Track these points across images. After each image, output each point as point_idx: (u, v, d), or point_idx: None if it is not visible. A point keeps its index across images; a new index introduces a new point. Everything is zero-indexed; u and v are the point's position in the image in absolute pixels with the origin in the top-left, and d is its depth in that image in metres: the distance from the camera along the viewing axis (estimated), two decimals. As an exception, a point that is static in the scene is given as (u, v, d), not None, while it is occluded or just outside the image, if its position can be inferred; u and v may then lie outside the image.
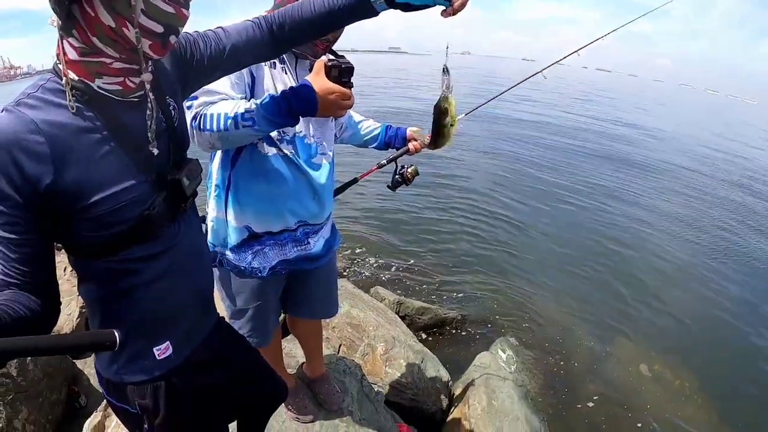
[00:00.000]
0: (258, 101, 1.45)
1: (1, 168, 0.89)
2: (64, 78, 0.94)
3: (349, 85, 1.47)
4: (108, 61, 0.96)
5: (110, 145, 0.99)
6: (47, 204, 0.94)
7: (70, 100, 0.93)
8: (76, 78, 0.96)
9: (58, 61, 0.96)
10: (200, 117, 1.48)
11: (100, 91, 0.98)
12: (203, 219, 1.92)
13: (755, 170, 14.63)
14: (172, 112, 1.16)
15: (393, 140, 2.31)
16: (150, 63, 1.03)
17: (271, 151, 1.70)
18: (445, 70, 1.51)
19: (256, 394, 1.66)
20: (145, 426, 1.25)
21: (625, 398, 4.12)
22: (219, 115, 1.46)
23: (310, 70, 1.54)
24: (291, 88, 1.44)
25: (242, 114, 1.43)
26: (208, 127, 1.46)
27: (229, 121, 1.44)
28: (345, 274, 5.51)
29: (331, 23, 1.32)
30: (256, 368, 1.67)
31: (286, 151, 1.71)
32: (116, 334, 0.86)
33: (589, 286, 5.91)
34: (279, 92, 1.47)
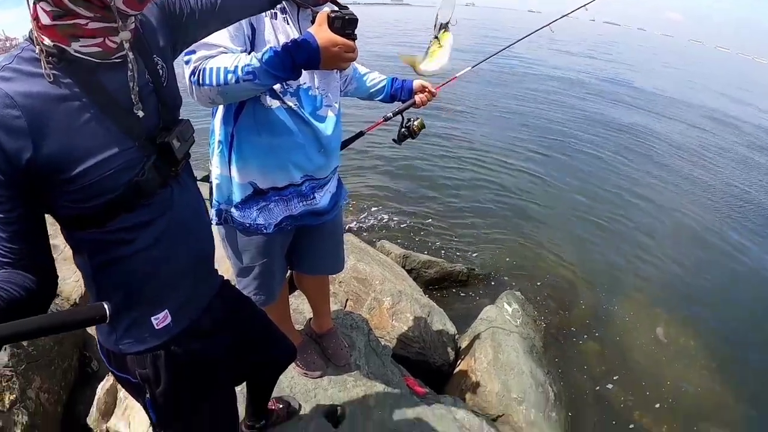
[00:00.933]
0: (259, 55, 1.39)
1: None
2: (37, 45, 0.89)
3: (353, 37, 1.42)
4: (82, 22, 0.90)
5: (92, 112, 0.95)
6: (30, 179, 0.91)
7: (45, 69, 0.88)
8: (51, 44, 0.90)
9: (33, 27, 0.91)
10: (199, 72, 1.43)
11: (78, 54, 0.92)
12: (207, 178, 1.88)
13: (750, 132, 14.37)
14: (160, 71, 1.10)
15: (399, 93, 2.24)
16: (132, 20, 0.97)
17: (275, 103, 1.64)
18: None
19: (263, 357, 1.65)
20: (147, 395, 1.24)
21: (629, 356, 4.15)
22: (219, 69, 1.40)
23: (313, 21, 1.48)
24: (293, 40, 1.38)
25: (243, 68, 1.38)
26: (207, 81, 1.41)
27: (229, 75, 1.39)
28: (350, 228, 5.49)
29: None
30: (264, 330, 1.66)
31: (290, 104, 1.65)
32: (106, 307, 0.83)
33: (598, 241, 5.89)
34: (281, 44, 1.41)
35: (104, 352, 1.23)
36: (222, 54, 1.46)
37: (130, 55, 0.98)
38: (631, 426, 3.54)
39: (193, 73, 1.43)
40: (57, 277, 1.05)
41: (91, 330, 2.91)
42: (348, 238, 4.20)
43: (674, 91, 20.12)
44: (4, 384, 2.18)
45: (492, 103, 12.28)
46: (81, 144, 0.93)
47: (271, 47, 1.39)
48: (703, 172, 8.92)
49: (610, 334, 4.36)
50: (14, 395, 2.18)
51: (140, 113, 1.01)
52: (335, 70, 1.77)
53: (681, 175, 8.49)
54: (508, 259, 5.27)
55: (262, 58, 1.37)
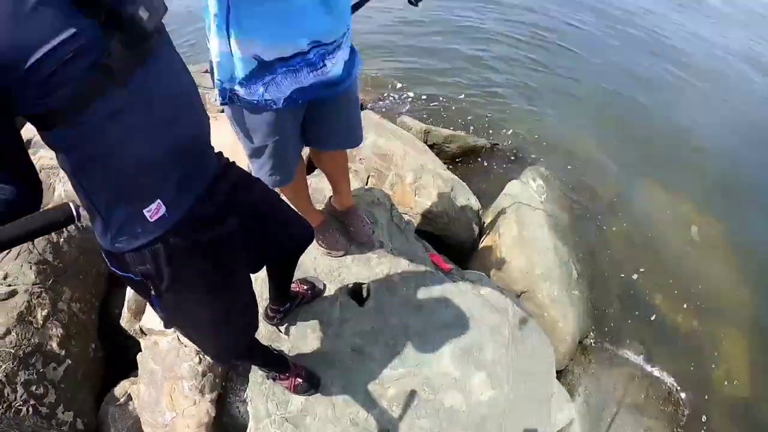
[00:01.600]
0: None
1: None
2: None
3: None
4: None
5: None
6: None
7: None
8: None
9: None
10: None
11: None
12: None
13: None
14: None
15: None
16: None
17: None
18: None
19: (277, 239, 1.60)
20: (152, 293, 1.21)
21: (657, 246, 4.07)
22: None
23: None
24: None
25: None
26: None
27: None
28: (369, 104, 5.28)
29: None
30: (275, 212, 1.60)
31: None
32: (72, 207, 0.80)
33: (632, 123, 5.56)
34: None
35: (105, 254, 1.19)
36: None
37: None
38: (653, 317, 3.57)
39: None
40: (41, 185, 1.01)
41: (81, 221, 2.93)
42: (367, 114, 4.03)
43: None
44: (34, 301, 2.21)
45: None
46: (30, 32, 0.83)
47: None
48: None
49: (638, 220, 4.26)
50: (46, 310, 2.22)
51: None
52: None
53: (736, 67, 7.80)
54: (534, 135, 5.07)
55: None
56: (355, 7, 1.97)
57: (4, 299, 2.20)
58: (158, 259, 1.15)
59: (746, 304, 3.78)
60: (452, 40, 6.93)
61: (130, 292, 2.47)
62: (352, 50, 1.90)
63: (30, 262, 2.33)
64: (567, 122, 5.40)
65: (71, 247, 2.54)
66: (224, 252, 1.31)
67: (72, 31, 0.86)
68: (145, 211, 1.10)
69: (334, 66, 1.76)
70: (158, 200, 1.11)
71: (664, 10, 8.94)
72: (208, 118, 1.26)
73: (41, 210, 0.93)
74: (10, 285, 2.23)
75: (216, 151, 1.36)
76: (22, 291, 2.23)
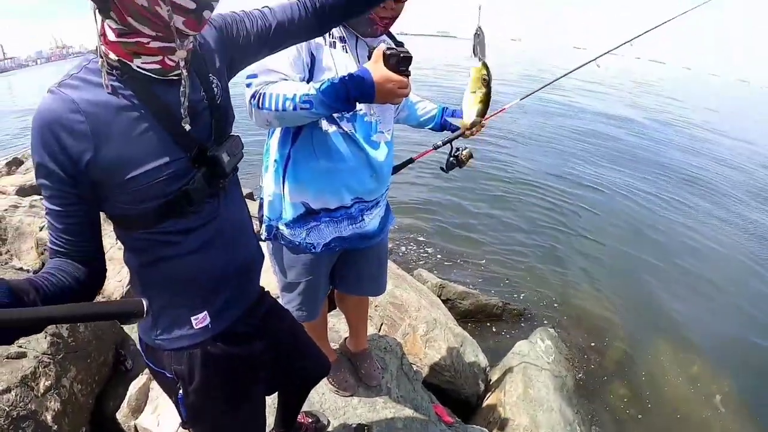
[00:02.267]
0: (317, 85, 1.48)
1: (45, 146, 0.95)
2: (100, 59, 0.98)
3: (407, 74, 1.49)
4: (145, 40, 0.97)
5: (148, 123, 1.02)
6: (88, 179, 0.99)
7: (105, 80, 0.97)
8: (116, 58, 0.99)
9: (99, 42, 0.99)
10: (259, 95, 1.53)
11: (140, 70, 1.00)
12: (251, 196, 1.98)
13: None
14: (215, 89, 1.17)
15: (448, 124, 2.26)
16: (189, 40, 1.04)
17: (332, 128, 1.72)
18: (478, 33, 1.39)
19: (297, 368, 1.70)
20: (180, 392, 1.29)
21: (662, 405, 4.06)
22: (278, 96, 1.49)
23: (369, 53, 1.58)
24: (350, 74, 1.47)
25: (301, 96, 1.46)
26: (266, 105, 1.51)
27: (288, 103, 1.48)
28: (390, 254, 5.56)
29: (364, 3, 1.33)
30: (300, 343, 1.71)
31: (345, 129, 1.73)
32: (144, 303, 0.88)
33: (635, 285, 5.79)
34: (338, 75, 1.51)
35: (143, 346, 1.31)
36: (282, 81, 1.56)
37: (184, 72, 1.03)
38: None
39: (253, 96, 1.54)
40: (106, 270, 1.15)
41: (128, 330, 3.04)
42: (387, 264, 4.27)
43: (725, 128, 19.65)
44: (41, 369, 2.27)
45: (539, 135, 12.29)
46: (136, 151, 1.01)
47: (328, 79, 1.49)
48: (761, 218, 8.66)
49: (644, 379, 4.28)
50: (50, 381, 2.27)
51: (187, 126, 1.06)
52: None
53: (734, 222, 8.23)
54: (544, 295, 5.26)
55: (319, 89, 1.46)
56: (395, 170, 2.26)
57: (13, 358, 2.22)
58: (193, 362, 1.26)
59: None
60: (475, 199, 7.49)
61: (133, 387, 2.51)
62: (387, 207, 2.14)
63: (46, 332, 2.37)
64: (580, 284, 5.61)
65: (87, 330, 2.63)
66: (250, 369, 1.43)
67: (168, 158, 1.05)
68: (192, 317, 1.23)
69: (371, 221, 1.98)
70: (205, 311, 1.25)
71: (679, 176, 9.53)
72: (258, 247, 1.44)
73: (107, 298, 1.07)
74: (21, 347, 2.28)
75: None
76: (31, 356, 2.27)
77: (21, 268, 3.60)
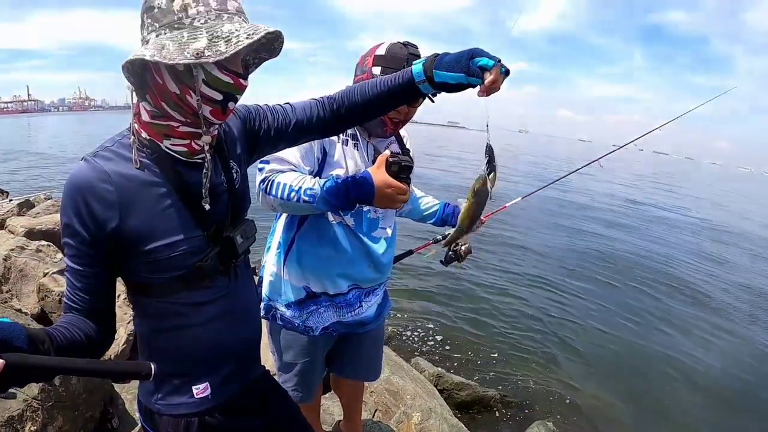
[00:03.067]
0: (322, 182, 1.62)
1: (74, 209, 1.04)
2: (133, 137, 1.09)
3: (407, 181, 1.62)
4: (175, 124, 1.09)
5: (171, 200, 1.11)
6: (111, 244, 1.08)
7: (135, 156, 1.08)
8: (148, 137, 1.10)
9: (134, 121, 1.11)
10: (268, 182, 1.66)
11: (168, 150, 1.11)
12: (254, 271, 2.05)
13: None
14: (234, 174, 1.27)
15: (450, 218, 2.35)
16: (215, 128, 1.15)
17: (336, 219, 1.84)
18: (488, 150, 1.32)
19: None
20: None
21: None
22: (285, 186, 1.62)
23: (377, 151, 1.71)
24: (353, 177, 1.61)
25: (306, 190, 1.60)
26: (273, 192, 1.63)
27: (293, 194, 1.60)
28: (389, 340, 5.56)
29: (382, 106, 1.40)
30: (296, 425, 1.70)
31: (348, 223, 1.85)
32: (152, 367, 0.95)
33: (636, 379, 5.71)
34: (347, 171, 1.66)
35: (141, 408, 1.33)
36: (291, 171, 1.69)
37: (208, 156, 1.14)
38: None
39: (263, 181, 1.67)
40: (115, 331, 1.22)
41: (118, 388, 3.02)
42: (384, 350, 4.27)
43: (726, 221, 19.82)
44: (28, 414, 2.27)
45: (539, 233, 12.43)
46: (158, 224, 1.10)
47: (333, 177, 1.63)
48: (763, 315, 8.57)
49: None
50: (36, 427, 2.27)
51: (207, 206, 1.15)
52: None
53: (735, 319, 8.16)
54: (543, 388, 5.18)
55: (323, 186, 1.60)
56: (396, 259, 2.34)
57: (2, 398, 2.20)
58: (189, 430, 1.28)
59: None
60: (473, 292, 7.51)
61: None
62: (385, 294, 2.22)
63: None
64: (579, 378, 5.52)
65: (78, 383, 2.61)
66: None
67: (187, 235, 1.14)
68: (193, 387, 1.27)
69: (369, 307, 2.05)
70: (207, 382, 1.28)
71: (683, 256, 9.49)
72: (261, 326, 1.51)
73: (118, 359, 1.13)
74: (12, 389, 2.26)
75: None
76: (20, 399, 2.26)
77: (20, 310, 3.61)
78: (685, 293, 9.03)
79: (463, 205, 1.42)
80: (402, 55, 1.74)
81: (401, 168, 1.60)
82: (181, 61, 0.96)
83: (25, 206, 7.54)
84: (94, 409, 2.75)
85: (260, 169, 1.69)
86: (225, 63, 1.04)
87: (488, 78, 1.13)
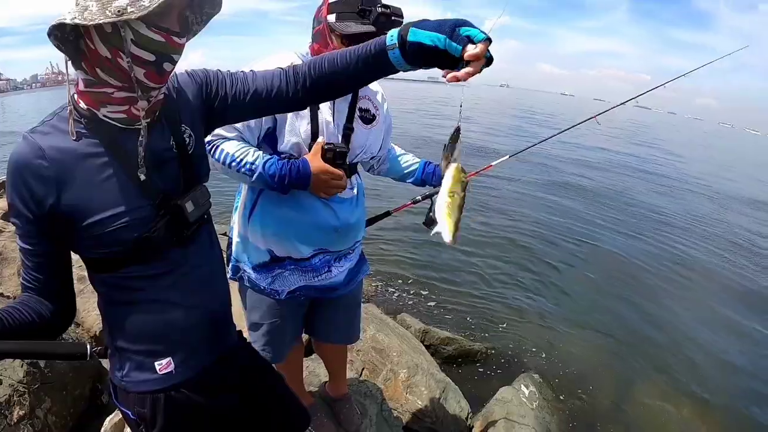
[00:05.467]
0: (263, 158, 1.62)
1: (15, 188, 1.02)
2: (69, 107, 1.04)
3: (343, 167, 1.67)
4: (110, 90, 1.03)
5: (112, 170, 1.07)
6: (53, 221, 1.05)
7: (71, 128, 1.03)
8: (85, 107, 1.05)
9: (73, 91, 1.06)
10: (213, 146, 1.63)
11: (105, 119, 1.06)
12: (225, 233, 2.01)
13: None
14: (187, 139, 1.21)
15: (430, 178, 2.27)
16: (156, 91, 1.08)
17: None
18: (455, 135, 1.18)
19: (276, 421, 1.67)
20: None
21: None
22: (227, 154, 1.62)
23: (351, 107, 1.72)
24: (291, 162, 1.62)
25: (245, 163, 1.62)
26: (216, 157, 1.63)
27: (233, 163, 1.61)
28: (372, 299, 5.55)
29: (353, 79, 1.23)
30: (278, 398, 1.69)
31: None
32: (88, 347, 0.96)
33: (621, 328, 5.78)
34: (299, 141, 1.69)
35: (112, 386, 1.32)
36: (238, 138, 1.67)
37: (143, 123, 1.07)
38: None
39: (208, 143, 1.62)
40: (74, 308, 1.21)
41: (106, 364, 2.99)
42: (369, 308, 4.28)
43: (707, 174, 20.00)
44: (15, 398, 2.24)
45: (524, 189, 12.33)
46: (98, 197, 1.05)
47: (275, 158, 1.63)
48: (746, 263, 8.74)
49: (632, 424, 4.21)
50: (24, 411, 2.24)
51: (142, 176, 1.10)
52: (361, 152, 1.90)
53: (720, 268, 8.33)
54: (529, 341, 5.23)
55: (264, 164, 1.61)
56: (370, 222, 2.28)
57: None
58: (156, 407, 1.26)
59: None
60: (459, 249, 7.44)
61: (108, 423, 2.43)
62: (361, 257, 2.15)
63: (23, 361, 2.37)
64: (564, 329, 5.57)
65: (64, 362, 2.59)
66: (216, 422, 1.41)
67: (131, 206, 1.09)
68: (156, 363, 1.24)
69: (341, 273, 2.00)
70: (169, 358, 1.26)
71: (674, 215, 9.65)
72: (230, 297, 1.45)
73: (63, 340, 1.10)
74: None
75: (237, 329, 1.54)
76: (6, 384, 2.24)
77: (1, 294, 3.55)
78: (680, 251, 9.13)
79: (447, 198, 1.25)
80: None
81: (336, 154, 1.65)
82: (102, 21, 0.91)
83: (2, 187, 7.32)
84: (83, 387, 2.72)
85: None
86: (156, 20, 0.98)
87: (471, 50, 0.96)
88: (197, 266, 1.28)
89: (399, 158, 2.30)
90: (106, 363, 2.97)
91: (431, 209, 2.33)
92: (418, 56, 1.06)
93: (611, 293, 6.65)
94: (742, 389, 4.92)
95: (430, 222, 2.36)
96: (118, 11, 0.90)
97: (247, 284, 1.96)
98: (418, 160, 2.32)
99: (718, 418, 4.38)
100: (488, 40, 0.97)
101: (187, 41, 1.09)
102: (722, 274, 7.99)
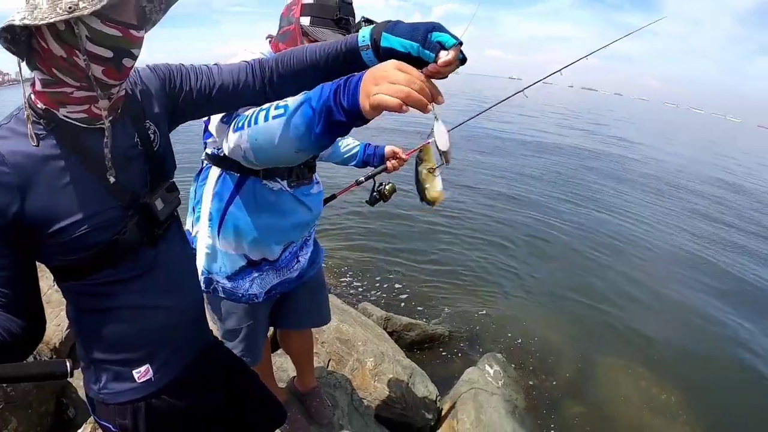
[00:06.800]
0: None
1: None
2: (27, 110, 0.97)
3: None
4: (69, 90, 0.97)
5: (76, 173, 1.01)
6: (17, 230, 0.97)
7: (30, 131, 0.96)
8: (43, 107, 0.98)
9: (30, 91, 0.99)
10: (235, 118, 1.32)
11: (66, 119, 1.00)
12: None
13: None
14: (152, 135, 1.16)
15: (371, 159, 2.34)
16: (116, 88, 1.02)
17: (275, 186, 1.73)
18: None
19: (253, 418, 1.65)
20: None
21: (614, 419, 4.14)
22: (254, 111, 1.24)
23: None
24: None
25: (277, 105, 1.18)
26: (240, 125, 1.26)
27: (261, 114, 1.20)
28: (332, 290, 5.50)
29: (320, 74, 1.17)
30: (255, 393, 1.66)
31: (287, 188, 1.75)
32: (68, 364, 0.89)
33: (580, 303, 5.93)
34: None
35: (89, 400, 1.26)
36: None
37: (107, 123, 1.01)
38: None
39: (229, 119, 1.33)
40: (45, 322, 1.12)
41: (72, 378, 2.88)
42: (330, 299, 4.24)
43: (644, 147, 20.79)
44: None
45: (468, 167, 12.44)
46: (63, 201, 0.99)
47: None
48: (696, 233, 9.13)
49: (595, 395, 4.35)
50: None
51: (111, 179, 1.03)
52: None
53: (667, 236, 8.70)
54: (490, 320, 5.30)
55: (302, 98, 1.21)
56: (326, 201, 2.27)
57: None
58: (137, 417, 1.21)
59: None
60: (409, 230, 7.48)
61: None
62: (315, 242, 2.16)
63: None
64: (524, 307, 5.68)
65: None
66: (199, 422, 1.37)
67: (97, 208, 1.03)
68: (134, 371, 1.19)
69: (306, 259, 2.00)
70: (147, 365, 1.21)
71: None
72: (203, 295, 1.40)
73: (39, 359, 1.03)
74: None
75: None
76: None
77: None
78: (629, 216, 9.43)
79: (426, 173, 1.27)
80: (333, 3, 1.60)
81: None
82: (54, 19, 0.84)
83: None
84: (47, 403, 2.60)
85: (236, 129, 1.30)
86: (111, 13, 0.91)
87: (444, 56, 0.95)
88: (169, 265, 1.23)
89: (340, 142, 2.32)
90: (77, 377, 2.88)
91: (374, 189, 2.42)
92: (390, 59, 1.01)
93: (569, 269, 6.84)
94: (700, 359, 5.15)
95: (374, 201, 2.44)
96: (70, 7, 0.84)
97: (222, 295, 1.87)
98: (358, 143, 2.35)
99: (678, 385, 4.57)
100: (459, 45, 0.97)
101: (146, 32, 1.03)
102: (678, 247, 8.37)
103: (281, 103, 1.17)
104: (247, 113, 1.27)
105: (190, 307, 1.33)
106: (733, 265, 7.79)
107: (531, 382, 4.37)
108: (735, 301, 6.46)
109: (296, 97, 1.17)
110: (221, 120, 1.36)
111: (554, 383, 4.43)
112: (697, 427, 4.12)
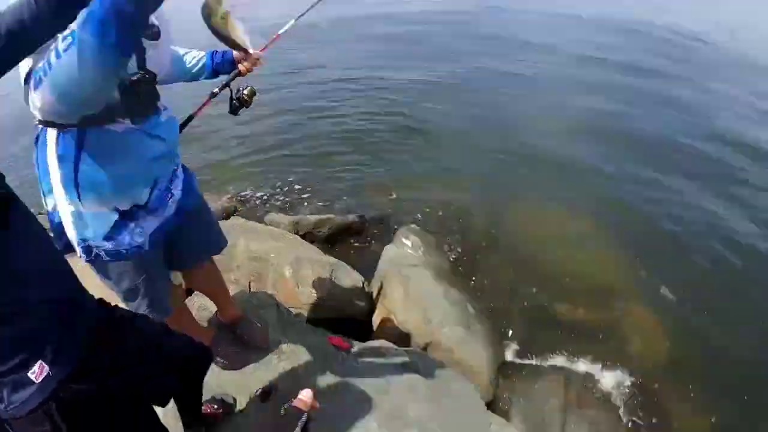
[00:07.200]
0: None
1: None
2: None
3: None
4: None
5: None
6: None
7: None
8: None
9: None
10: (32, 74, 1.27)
11: None
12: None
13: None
14: None
15: (221, 67, 2.11)
16: None
17: (119, 127, 1.53)
18: None
19: (175, 373, 1.60)
20: None
21: (535, 256, 4.44)
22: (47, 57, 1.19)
23: None
24: None
25: None
26: (38, 79, 1.23)
27: (51, 55, 1.18)
28: (236, 212, 5.28)
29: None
30: (168, 346, 1.59)
31: (134, 125, 1.56)
32: None
33: (481, 161, 6.04)
34: None
35: (2, 423, 1.17)
36: None
37: None
38: (559, 321, 3.83)
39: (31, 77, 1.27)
40: None
41: None
42: (233, 221, 4.11)
43: None
44: None
45: (329, 54, 11.02)
46: None
47: None
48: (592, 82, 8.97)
49: (515, 242, 4.61)
50: None
51: None
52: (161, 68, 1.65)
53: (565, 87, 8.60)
54: (396, 200, 5.35)
55: None
56: (183, 125, 2.07)
57: None
58: (53, 417, 1.14)
59: (639, 282, 4.21)
60: (285, 128, 7.12)
61: None
62: (184, 168, 1.98)
63: None
64: (425, 175, 5.77)
65: None
66: (121, 394, 1.31)
67: None
68: (29, 373, 1.10)
69: (179, 191, 1.86)
70: (40, 361, 1.11)
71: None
72: (71, 270, 1.28)
73: None
74: None
75: (97, 297, 1.39)
76: None
77: None
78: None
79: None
80: None
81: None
82: None
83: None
84: None
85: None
86: None
87: None
88: (23, 255, 1.11)
89: (183, 57, 2.07)
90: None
91: (233, 97, 2.24)
92: None
93: (468, 130, 6.84)
94: (604, 185, 5.53)
95: (235, 109, 2.27)
96: None
97: (107, 258, 1.71)
98: (203, 53, 2.10)
99: (592, 215, 4.94)
100: None
101: None
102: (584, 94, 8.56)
103: (66, 32, 1.11)
104: (40, 64, 1.19)
105: (61, 289, 1.23)
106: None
107: (449, 243, 4.54)
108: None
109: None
110: (24, 81, 1.26)
111: (471, 239, 4.65)
112: (617, 245, 4.55)
